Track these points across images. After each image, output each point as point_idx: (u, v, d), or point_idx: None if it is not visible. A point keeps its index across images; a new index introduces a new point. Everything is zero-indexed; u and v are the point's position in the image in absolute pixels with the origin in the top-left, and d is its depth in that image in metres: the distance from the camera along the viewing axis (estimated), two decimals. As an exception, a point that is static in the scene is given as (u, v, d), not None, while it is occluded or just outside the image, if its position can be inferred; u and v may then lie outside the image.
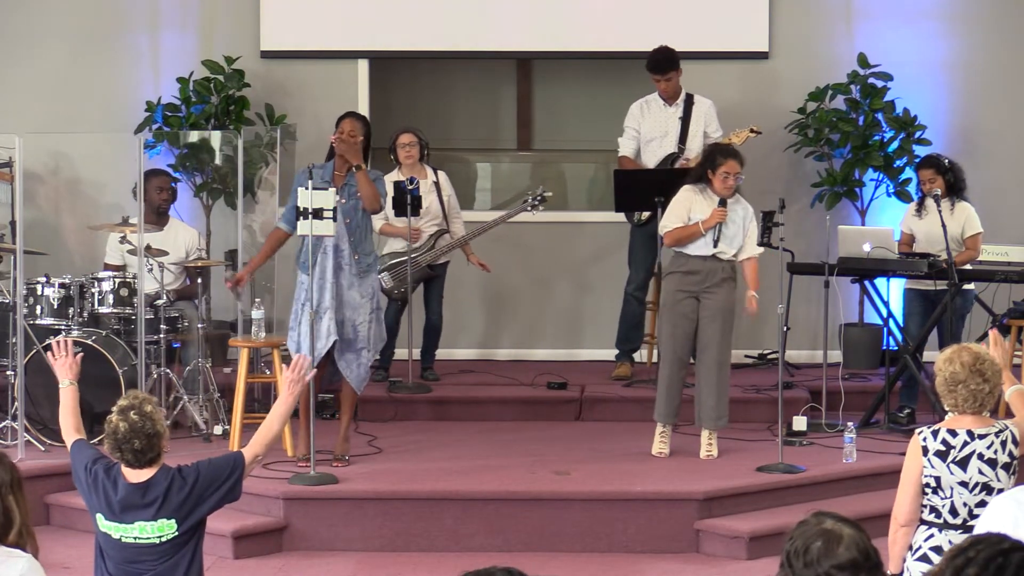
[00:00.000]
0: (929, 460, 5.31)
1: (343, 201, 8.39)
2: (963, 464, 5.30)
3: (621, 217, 10.49)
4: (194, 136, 10.87)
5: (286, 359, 8.86)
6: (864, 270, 9.62)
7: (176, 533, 5.27)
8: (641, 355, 10.79)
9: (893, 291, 9.94)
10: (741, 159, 8.77)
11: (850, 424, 8.79)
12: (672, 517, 8.01)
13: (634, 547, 7.98)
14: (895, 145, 10.97)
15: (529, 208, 10.46)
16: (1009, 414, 5.65)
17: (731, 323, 8.79)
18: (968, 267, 9.60)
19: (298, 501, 8.03)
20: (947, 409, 5.40)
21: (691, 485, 8.17)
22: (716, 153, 8.81)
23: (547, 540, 7.99)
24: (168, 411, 8.99)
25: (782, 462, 8.47)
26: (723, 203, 8.65)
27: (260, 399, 9.70)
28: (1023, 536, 4.34)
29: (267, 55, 11.45)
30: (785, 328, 8.74)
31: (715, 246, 8.68)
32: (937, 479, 5.31)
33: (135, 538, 5.27)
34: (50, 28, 11.39)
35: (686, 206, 8.73)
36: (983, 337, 9.67)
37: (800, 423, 9.25)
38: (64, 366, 5.70)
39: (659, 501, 8.05)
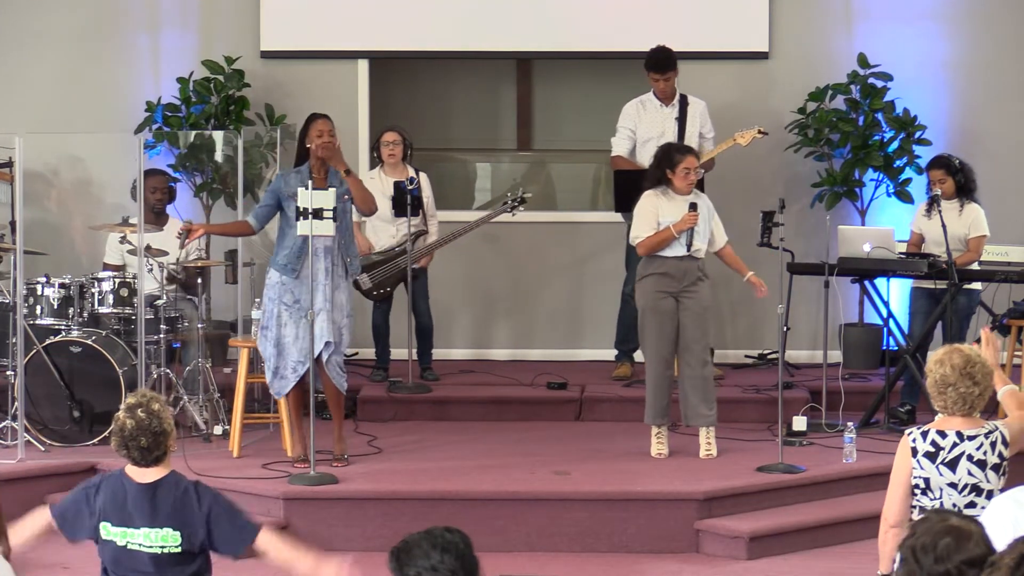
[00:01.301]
0: (918, 461, 5.32)
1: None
2: (952, 465, 5.30)
3: (621, 217, 10.49)
4: (195, 136, 10.87)
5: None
6: (864, 270, 9.62)
7: (179, 549, 5.25)
8: (641, 355, 10.78)
9: (893, 291, 9.94)
10: (697, 154, 8.82)
11: (850, 424, 8.79)
12: (672, 517, 8.01)
13: (634, 547, 7.98)
14: (895, 145, 10.96)
15: (509, 210, 10.42)
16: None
17: (710, 321, 8.84)
18: (967, 267, 9.59)
19: (298, 501, 8.03)
20: (937, 410, 5.41)
21: (691, 485, 8.17)
22: (673, 151, 8.86)
23: (547, 540, 7.99)
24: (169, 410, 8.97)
25: (782, 462, 8.47)
26: (693, 207, 8.68)
27: (260, 399, 9.69)
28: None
29: (267, 55, 11.45)
30: (785, 328, 8.75)
31: (689, 247, 8.70)
32: (926, 480, 5.31)
33: (139, 544, 5.25)
34: (50, 28, 11.39)
35: (653, 212, 8.75)
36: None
37: (800, 423, 9.24)
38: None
39: (659, 501, 8.05)
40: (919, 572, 3.66)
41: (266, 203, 8.56)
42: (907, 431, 5.44)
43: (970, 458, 5.30)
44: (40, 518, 5.45)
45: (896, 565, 3.75)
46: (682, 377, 8.85)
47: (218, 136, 10.85)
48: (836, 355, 10.30)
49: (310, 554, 5.38)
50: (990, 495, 5.29)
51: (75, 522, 5.37)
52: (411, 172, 10.28)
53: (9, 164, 9.84)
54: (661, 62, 10.28)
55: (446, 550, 3.98)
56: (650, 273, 8.82)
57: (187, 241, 8.77)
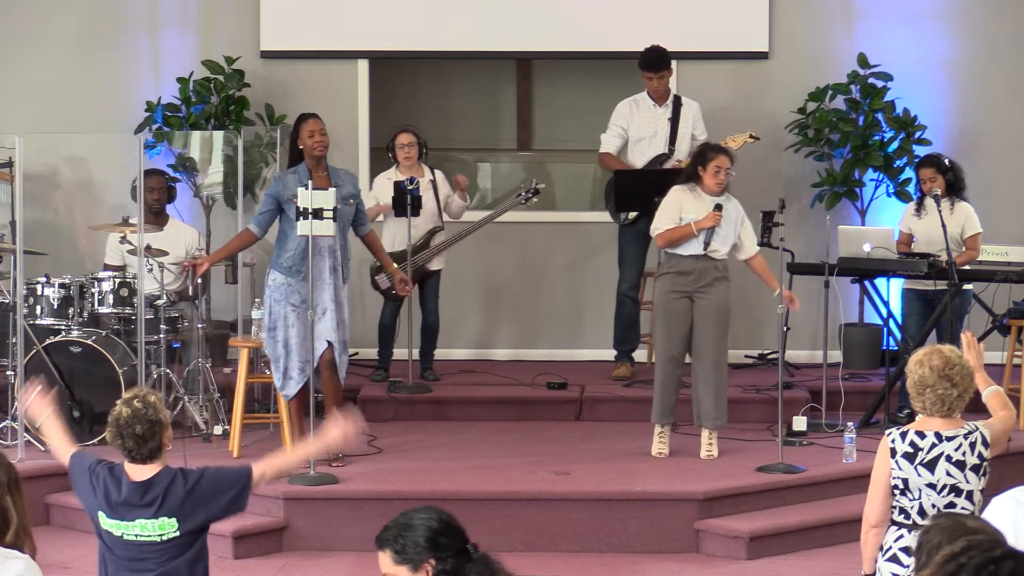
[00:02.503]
0: (897, 462, 5.32)
1: (336, 206, 8.37)
2: (931, 466, 5.30)
3: (610, 217, 10.50)
4: (195, 137, 10.88)
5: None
6: (864, 270, 9.62)
7: (177, 533, 5.26)
8: (640, 355, 10.80)
9: (893, 291, 9.94)
10: (732, 156, 8.84)
11: (850, 424, 8.79)
12: (672, 517, 8.01)
13: (634, 547, 7.98)
14: (895, 145, 10.97)
15: (523, 201, 10.45)
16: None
17: (726, 323, 8.80)
18: (968, 267, 9.59)
19: (298, 501, 8.03)
20: (916, 411, 5.41)
21: (691, 485, 8.17)
22: (707, 149, 8.88)
23: (547, 540, 7.99)
24: (168, 411, 8.97)
25: (782, 462, 8.47)
26: (719, 207, 8.67)
27: (260, 399, 9.70)
28: (1023, 536, 4.35)
29: (267, 55, 11.45)
30: (785, 328, 8.74)
31: (706, 247, 8.69)
32: (905, 481, 5.31)
33: (136, 535, 5.27)
34: (50, 28, 11.39)
35: (677, 207, 8.75)
36: (983, 338, 9.67)
37: (800, 423, 9.25)
38: (33, 407, 5.66)
39: (659, 501, 8.05)
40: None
41: (266, 208, 8.56)
42: (886, 431, 5.44)
43: (949, 459, 5.30)
44: (63, 450, 5.46)
45: (913, 570, 3.76)
46: (695, 378, 8.84)
47: (218, 136, 10.85)
48: (836, 355, 10.30)
49: (298, 448, 5.46)
50: (970, 496, 5.30)
51: (79, 480, 5.39)
52: (427, 171, 10.30)
53: (9, 164, 9.83)
54: (654, 61, 10.28)
55: (440, 512, 4.19)
56: (667, 271, 8.83)
57: (196, 277, 8.82)
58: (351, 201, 8.50)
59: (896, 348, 9.79)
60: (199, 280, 9.67)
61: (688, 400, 8.94)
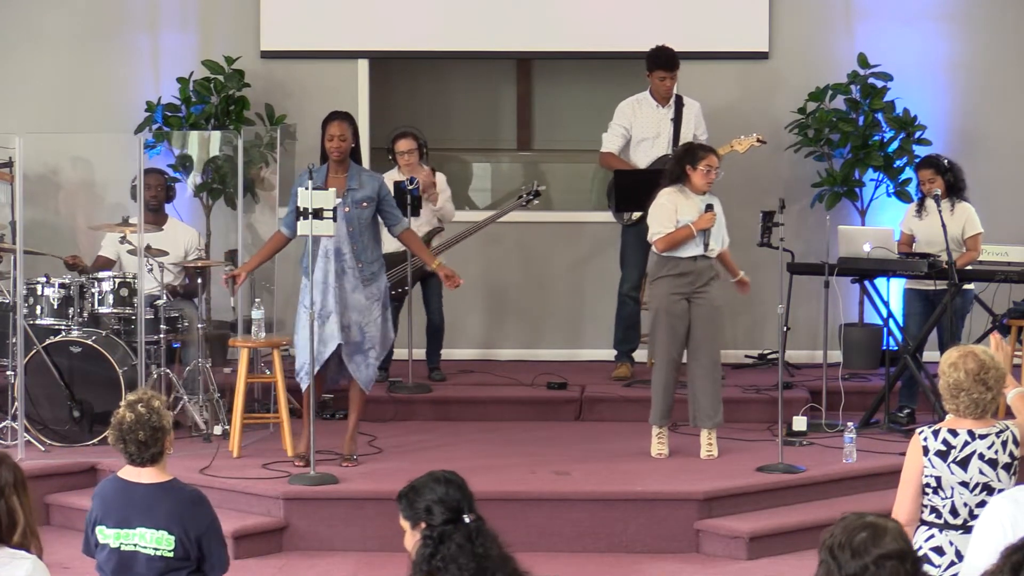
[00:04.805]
0: (930, 460, 5.31)
1: (347, 209, 8.35)
2: (964, 464, 5.29)
3: (612, 217, 10.50)
4: (194, 137, 10.88)
5: (286, 358, 8.87)
6: (864, 270, 9.62)
7: (172, 554, 5.24)
8: (640, 355, 10.79)
9: (893, 291, 9.94)
10: (718, 154, 8.88)
11: (850, 424, 8.79)
12: (672, 517, 8.01)
13: (634, 547, 7.98)
14: (895, 145, 10.97)
15: (524, 203, 10.44)
16: (1010, 414, 5.66)
17: (721, 321, 8.87)
18: (968, 267, 9.59)
19: (298, 501, 8.03)
20: (948, 412, 5.40)
21: (691, 485, 8.17)
22: (696, 148, 8.87)
23: (547, 540, 7.99)
24: (169, 412, 8.96)
25: (782, 462, 8.47)
26: (710, 207, 8.68)
27: (260, 399, 9.70)
28: (1021, 536, 4.35)
29: (267, 55, 11.45)
30: (785, 328, 8.74)
31: (706, 248, 8.70)
32: (938, 479, 5.30)
33: (135, 545, 5.25)
34: (50, 28, 11.39)
35: (672, 209, 8.73)
36: (983, 337, 9.67)
37: (800, 423, 9.25)
38: None
39: (659, 501, 8.05)
40: (837, 571, 3.67)
41: (290, 208, 8.56)
42: (918, 429, 5.42)
43: (981, 457, 5.29)
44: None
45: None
46: (692, 378, 8.83)
47: (216, 136, 10.85)
48: (836, 355, 10.30)
49: None
50: (999, 494, 5.27)
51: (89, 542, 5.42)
52: (425, 171, 10.26)
53: (9, 164, 9.83)
54: (670, 59, 10.26)
55: (449, 483, 4.72)
56: (664, 274, 8.80)
57: (235, 288, 8.85)
58: (364, 204, 8.43)
59: (896, 348, 9.79)
60: (199, 280, 9.69)
61: (682, 400, 8.93)
